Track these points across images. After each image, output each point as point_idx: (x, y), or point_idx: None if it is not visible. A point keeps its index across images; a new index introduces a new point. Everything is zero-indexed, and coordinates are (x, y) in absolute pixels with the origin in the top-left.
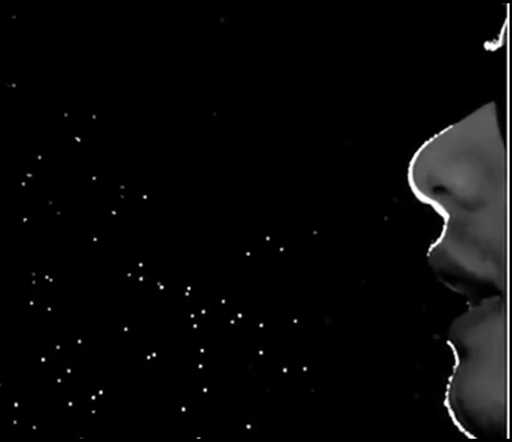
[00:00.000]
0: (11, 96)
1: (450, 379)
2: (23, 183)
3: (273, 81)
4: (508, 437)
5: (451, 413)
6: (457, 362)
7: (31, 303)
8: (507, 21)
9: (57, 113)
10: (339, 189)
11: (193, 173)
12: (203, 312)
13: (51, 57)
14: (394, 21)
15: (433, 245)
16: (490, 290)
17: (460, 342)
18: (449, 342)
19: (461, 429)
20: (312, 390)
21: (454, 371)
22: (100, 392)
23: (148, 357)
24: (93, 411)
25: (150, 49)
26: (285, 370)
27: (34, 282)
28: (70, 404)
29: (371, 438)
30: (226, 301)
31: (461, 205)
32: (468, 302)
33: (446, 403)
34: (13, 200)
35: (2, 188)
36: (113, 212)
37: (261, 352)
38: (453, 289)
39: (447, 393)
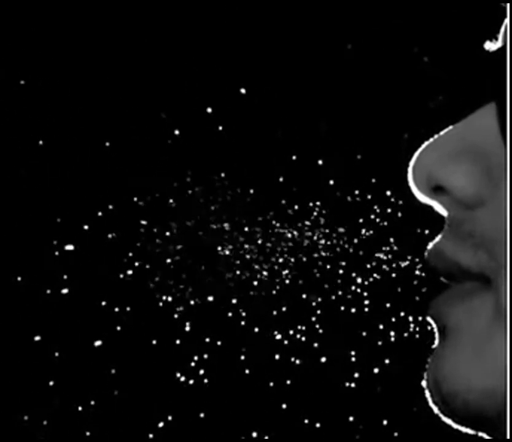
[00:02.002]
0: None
1: (429, 359)
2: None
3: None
4: (508, 437)
5: (427, 394)
6: (437, 341)
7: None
8: (507, 21)
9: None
10: (339, 189)
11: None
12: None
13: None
14: (394, 21)
15: (430, 245)
16: (483, 279)
17: (440, 319)
18: (429, 319)
19: (436, 411)
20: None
21: (433, 350)
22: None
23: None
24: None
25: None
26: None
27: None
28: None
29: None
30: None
31: (460, 205)
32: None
33: (423, 384)
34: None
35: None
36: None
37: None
38: (450, 284)
39: (425, 374)
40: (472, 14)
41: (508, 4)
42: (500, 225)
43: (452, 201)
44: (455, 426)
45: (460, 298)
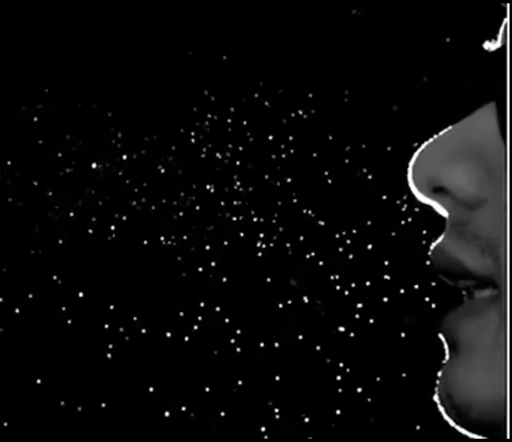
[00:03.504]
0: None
1: (440, 373)
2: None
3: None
4: (508, 437)
5: (440, 408)
6: (447, 356)
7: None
8: (507, 21)
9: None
10: (340, 189)
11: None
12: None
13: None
14: (395, 20)
15: (433, 244)
16: (488, 283)
17: (452, 334)
18: (440, 336)
19: (452, 423)
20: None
21: (444, 365)
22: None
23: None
24: None
25: None
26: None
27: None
28: None
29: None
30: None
31: (461, 205)
32: (463, 295)
33: (435, 398)
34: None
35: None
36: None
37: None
38: (451, 283)
39: (436, 388)
40: (472, 14)
41: (508, 4)
42: (501, 226)
43: (453, 201)
44: (470, 435)
45: (470, 314)
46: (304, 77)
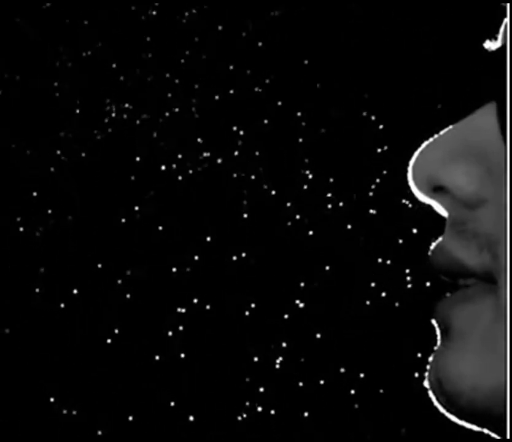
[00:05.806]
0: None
1: (431, 358)
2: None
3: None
4: (508, 437)
5: (430, 394)
6: (439, 342)
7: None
8: (506, 20)
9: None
10: (340, 190)
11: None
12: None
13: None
14: (395, 21)
15: (433, 244)
16: (488, 280)
17: (445, 320)
18: (433, 321)
19: (442, 410)
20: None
21: (435, 350)
22: None
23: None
24: None
25: None
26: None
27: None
28: None
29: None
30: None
31: (461, 204)
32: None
33: (425, 384)
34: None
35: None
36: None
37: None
38: (451, 283)
39: (426, 374)
40: (472, 14)
41: (508, 4)
42: (501, 225)
43: (453, 200)
44: (460, 423)
45: (465, 301)
46: (303, 78)
